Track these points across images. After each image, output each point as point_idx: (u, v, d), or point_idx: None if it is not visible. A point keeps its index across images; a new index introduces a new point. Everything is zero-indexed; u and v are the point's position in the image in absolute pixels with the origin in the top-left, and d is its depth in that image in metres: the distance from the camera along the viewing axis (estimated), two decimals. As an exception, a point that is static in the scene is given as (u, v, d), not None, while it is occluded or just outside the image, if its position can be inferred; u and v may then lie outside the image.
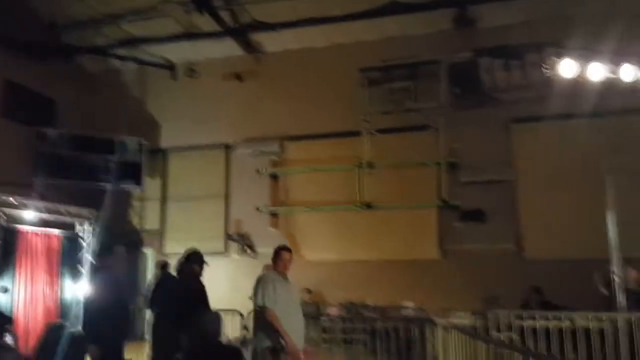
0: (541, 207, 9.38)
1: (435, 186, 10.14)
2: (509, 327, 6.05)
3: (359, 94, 10.36)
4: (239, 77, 11.58)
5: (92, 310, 4.75)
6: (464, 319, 6.69)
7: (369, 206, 10.24)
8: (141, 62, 12.05)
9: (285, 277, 4.91)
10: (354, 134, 10.42)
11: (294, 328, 4.66)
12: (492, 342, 4.49)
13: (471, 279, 9.09)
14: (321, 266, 10.08)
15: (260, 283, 4.79)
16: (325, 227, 10.45)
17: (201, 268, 5.57)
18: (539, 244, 9.31)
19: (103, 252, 8.30)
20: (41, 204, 8.98)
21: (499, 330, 6.03)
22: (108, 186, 10.96)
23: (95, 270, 7.34)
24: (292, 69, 11.25)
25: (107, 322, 4.75)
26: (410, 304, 9.23)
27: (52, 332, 3.82)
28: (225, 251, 11.16)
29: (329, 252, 10.35)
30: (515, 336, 5.99)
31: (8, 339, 4.15)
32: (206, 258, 5.79)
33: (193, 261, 5.55)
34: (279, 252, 5.05)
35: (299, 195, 10.96)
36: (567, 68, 7.71)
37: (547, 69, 7.76)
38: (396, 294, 9.46)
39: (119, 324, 4.90)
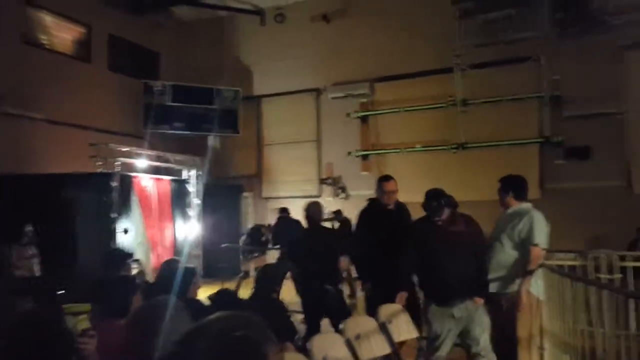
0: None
1: (536, 122, 9.61)
2: (612, 269, 5.76)
3: (451, 28, 9.86)
4: (326, 18, 11.47)
5: None
6: (564, 260, 6.44)
7: (464, 146, 9.97)
8: (231, 10, 12.30)
9: None
10: (447, 71, 10.04)
11: None
12: (590, 283, 4.33)
13: (574, 219, 8.65)
14: (415, 209, 10.05)
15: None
16: (418, 169, 10.33)
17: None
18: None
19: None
20: (151, 152, 9.78)
21: (600, 272, 5.77)
22: (209, 134, 11.65)
23: None
24: (380, 6, 10.90)
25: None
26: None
27: (168, 267, 4.28)
28: (319, 194, 11.50)
29: (422, 194, 10.27)
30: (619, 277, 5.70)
31: (129, 271, 4.70)
32: (301, 201, 5.98)
33: None
34: None
35: (390, 138, 10.89)
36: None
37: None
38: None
39: None
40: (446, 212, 3.86)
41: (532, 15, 9.29)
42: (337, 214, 9.27)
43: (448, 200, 3.92)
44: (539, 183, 9.44)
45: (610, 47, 8.92)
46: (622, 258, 5.89)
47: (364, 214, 4.83)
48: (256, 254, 8.72)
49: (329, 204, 11.16)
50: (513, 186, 4.28)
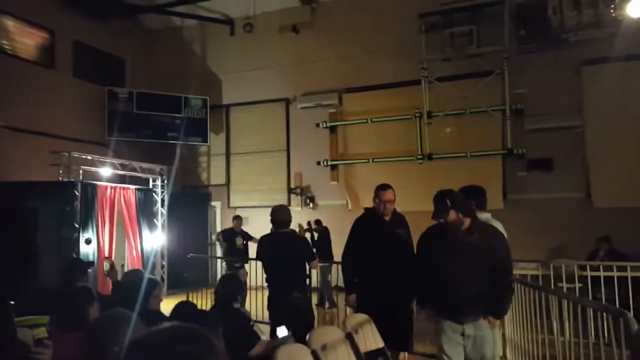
0: (611, 153, 8.93)
1: (500, 134, 9.82)
2: (572, 278, 5.93)
3: (418, 41, 10.04)
4: (295, 29, 11.52)
5: None
6: (527, 270, 6.60)
7: (429, 157, 10.12)
8: (200, 18, 12.25)
9: None
10: (413, 83, 10.19)
11: None
12: (551, 293, 4.44)
13: (536, 229, 8.88)
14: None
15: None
16: (385, 179, 10.32)
17: None
18: (609, 192, 8.90)
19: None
20: (116, 160, 9.58)
21: (561, 281, 5.94)
22: (177, 143, 11.50)
23: None
24: (348, 18, 11.03)
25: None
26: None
27: (129, 277, 4.19)
28: (288, 204, 11.47)
29: (389, 203, 10.37)
30: (579, 286, 5.87)
31: (89, 281, 4.60)
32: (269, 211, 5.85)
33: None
34: None
35: (358, 148, 10.97)
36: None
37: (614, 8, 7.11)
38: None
39: None
40: (452, 215, 3.51)
41: (496, 30, 9.55)
42: (318, 224, 9.33)
43: (456, 202, 3.57)
44: (503, 194, 9.65)
45: (569, 63, 9.25)
46: (583, 267, 6.07)
47: (359, 223, 4.59)
48: (238, 265, 8.60)
49: (297, 213, 11.18)
50: (472, 196, 4.31)
